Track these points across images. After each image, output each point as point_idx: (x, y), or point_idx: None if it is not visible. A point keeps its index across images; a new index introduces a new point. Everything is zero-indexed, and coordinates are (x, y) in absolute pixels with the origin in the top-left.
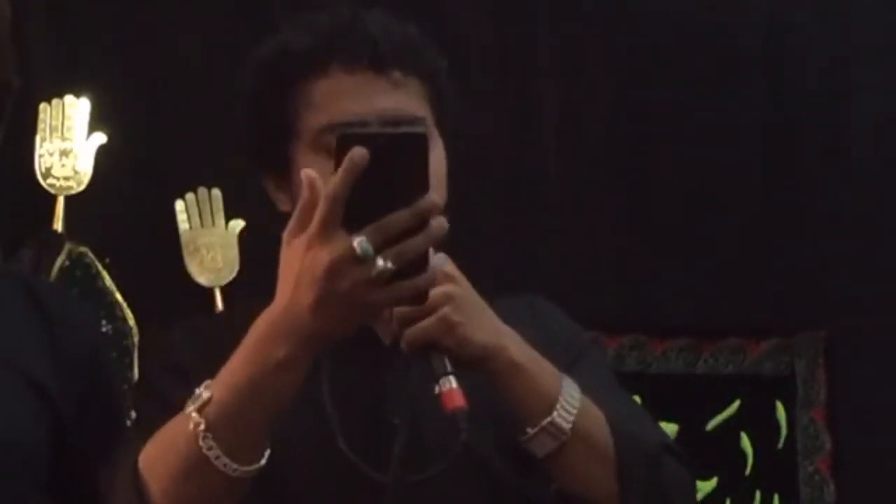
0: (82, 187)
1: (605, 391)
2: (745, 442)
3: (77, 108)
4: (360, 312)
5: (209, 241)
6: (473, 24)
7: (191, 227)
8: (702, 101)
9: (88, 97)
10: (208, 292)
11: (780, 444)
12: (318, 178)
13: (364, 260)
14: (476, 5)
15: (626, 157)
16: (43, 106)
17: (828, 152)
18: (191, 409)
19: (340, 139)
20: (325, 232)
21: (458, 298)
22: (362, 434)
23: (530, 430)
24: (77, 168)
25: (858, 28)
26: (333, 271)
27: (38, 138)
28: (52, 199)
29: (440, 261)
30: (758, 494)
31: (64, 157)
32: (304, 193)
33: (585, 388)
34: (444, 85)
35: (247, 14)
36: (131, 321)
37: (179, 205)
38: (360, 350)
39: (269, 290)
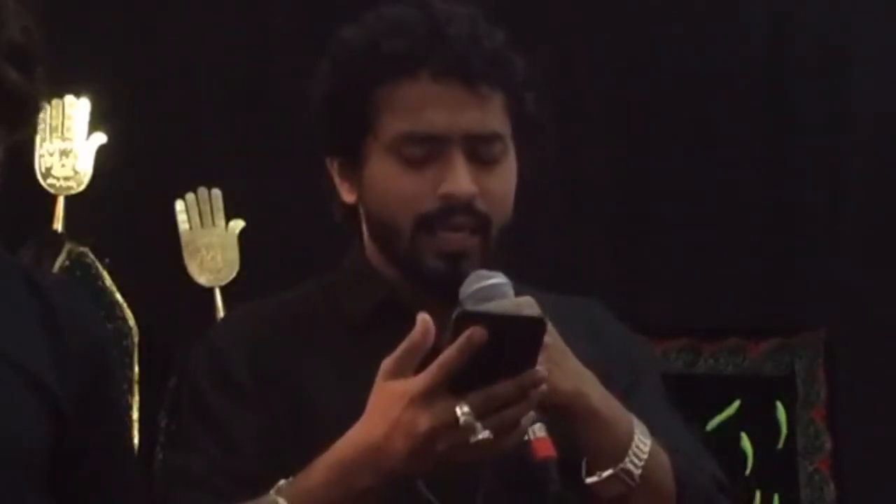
0: (82, 187)
1: (663, 418)
2: (745, 442)
3: (77, 108)
4: (450, 464)
5: (209, 241)
6: None
7: (191, 227)
8: (701, 99)
9: (88, 97)
10: (208, 292)
11: (780, 444)
12: (431, 325)
13: (465, 429)
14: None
15: (625, 157)
16: None
17: (828, 151)
18: None
19: (460, 315)
20: (431, 395)
21: (547, 347)
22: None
23: (601, 474)
24: (77, 168)
25: (858, 25)
26: (433, 435)
27: (38, 138)
28: (52, 199)
29: (528, 304)
30: (758, 494)
31: (64, 157)
32: (415, 336)
33: (644, 412)
34: (527, 96)
35: (246, 14)
36: (131, 321)
37: (179, 205)
38: None
39: (269, 291)
